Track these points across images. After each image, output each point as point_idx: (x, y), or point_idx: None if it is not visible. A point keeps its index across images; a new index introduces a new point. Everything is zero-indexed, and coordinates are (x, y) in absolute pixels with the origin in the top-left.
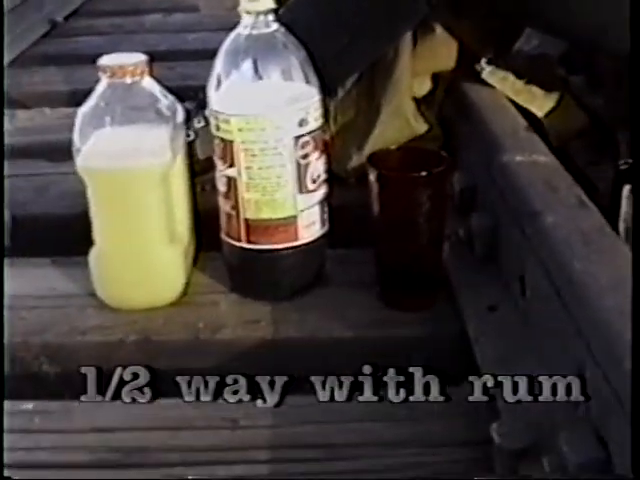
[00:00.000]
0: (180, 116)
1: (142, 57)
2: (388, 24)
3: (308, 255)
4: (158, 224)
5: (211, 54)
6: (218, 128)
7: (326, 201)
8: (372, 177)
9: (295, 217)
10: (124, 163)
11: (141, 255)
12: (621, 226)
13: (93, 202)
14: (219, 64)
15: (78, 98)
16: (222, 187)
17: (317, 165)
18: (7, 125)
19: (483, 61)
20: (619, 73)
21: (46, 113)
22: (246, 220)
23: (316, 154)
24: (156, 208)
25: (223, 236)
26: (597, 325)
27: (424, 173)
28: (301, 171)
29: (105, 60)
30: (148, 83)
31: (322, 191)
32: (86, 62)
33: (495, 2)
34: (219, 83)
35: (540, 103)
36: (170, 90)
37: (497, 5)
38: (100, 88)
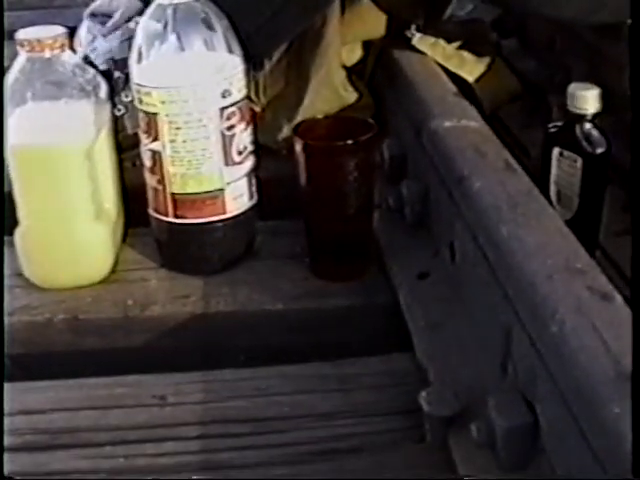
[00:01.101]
0: (103, 90)
1: (61, 30)
2: None
3: (237, 228)
4: (83, 201)
5: None
6: (141, 101)
7: (254, 173)
8: (298, 147)
9: (222, 190)
10: (47, 140)
11: (67, 233)
12: (552, 189)
13: (16, 180)
14: (140, 36)
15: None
16: (147, 161)
17: (243, 137)
18: None
19: (413, 27)
20: (550, 36)
21: None
22: (173, 195)
23: (242, 125)
24: (81, 185)
25: (150, 211)
26: (523, 289)
27: (350, 141)
28: (227, 143)
29: (23, 34)
30: (68, 57)
31: (249, 163)
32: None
33: None
34: (140, 56)
35: (470, 68)
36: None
37: None
38: (19, 63)
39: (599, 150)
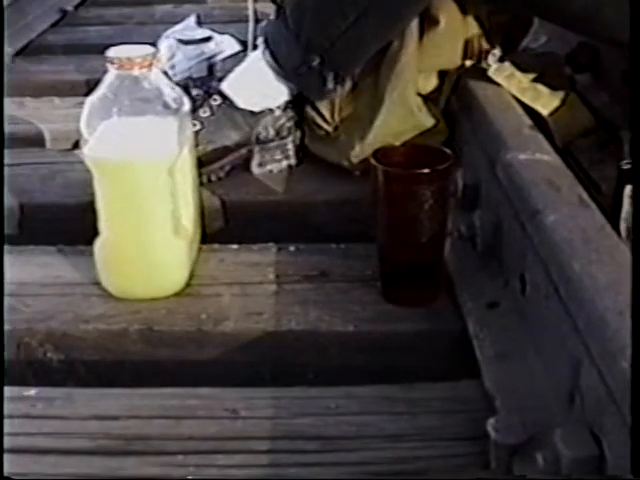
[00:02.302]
0: (187, 108)
1: (150, 49)
2: (395, 3)
3: None
4: (163, 215)
5: None
6: None
7: None
8: (377, 174)
9: None
10: (131, 155)
11: (145, 246)
12: (622, 226)
13: (99, 192)
14: None
15: (87, 88)
16: None
17: None
18: (16, 113)
19: (490, 58)
20: (624, 71)
21: (55, 102)
22: None
23: None
24: (162, 200)
25: None
26: (594, 324)
27: (427, 170)
28: None
29: (113, 51)
30: (155, 75)
31: None
32: (95, 52)
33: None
34: None
35: (545, 101)
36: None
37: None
38: (108, 79)
39: None
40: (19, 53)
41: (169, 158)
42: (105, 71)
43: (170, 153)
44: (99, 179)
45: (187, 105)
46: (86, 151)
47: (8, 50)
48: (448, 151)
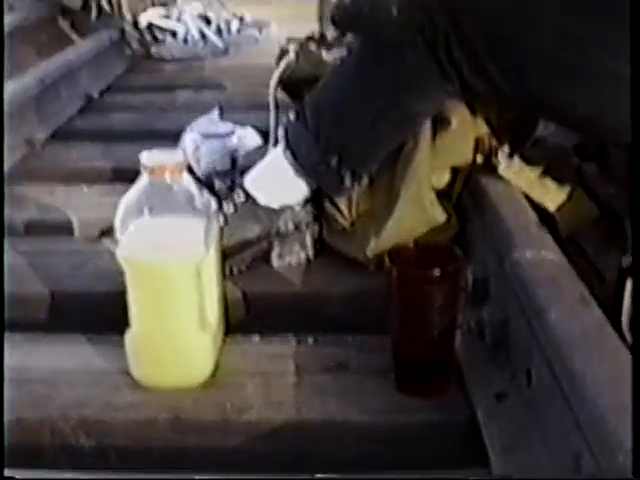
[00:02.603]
0: (213, 210)
1: (180, 158)
2: (407, 107)
3: None
4: (190, 310)
5: None
6: None
7: None
8: (391, 273)
9: None
10: (161, 255)
11: (174, 339)
12: (624, 317)
13: (130, 287)
14: None
15: (113, 175)
16: None
17: None
18: (46, 200)
19: (499, 155)
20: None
21: (83, 190)
22: None
23: None
24: (189, 296)
25: None
26: (594, 421)
27: (438, 270)
28: None
29: (146, 158)
30: (186, 181)
31: None
32: (121, 139)
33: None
34: None
35: (552, 197)
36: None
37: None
38: (142, 183)
39: None
40: (48, 139)
41: (197, 258)
42: (131, 158)
43: (198, 253)
44: (130, 276)
45: (214, 207)
46: (119, 250)
47: (38, 137)
48: (458, 251)
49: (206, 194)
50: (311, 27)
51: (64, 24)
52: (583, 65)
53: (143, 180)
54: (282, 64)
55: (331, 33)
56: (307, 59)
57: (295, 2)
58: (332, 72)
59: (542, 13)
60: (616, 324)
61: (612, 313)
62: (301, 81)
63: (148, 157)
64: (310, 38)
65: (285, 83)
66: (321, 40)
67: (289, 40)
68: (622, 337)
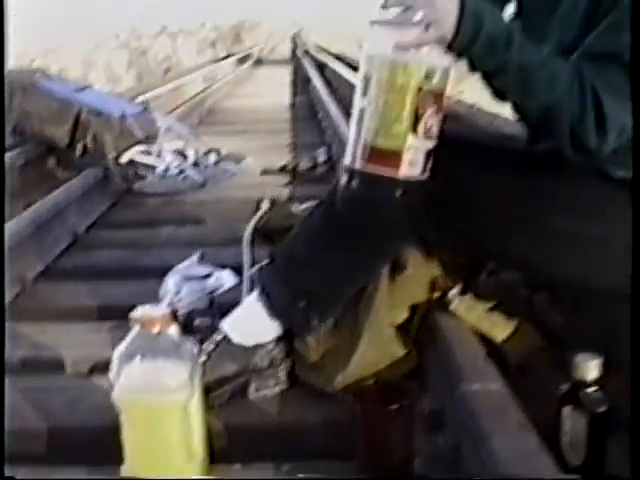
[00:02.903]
0: (197, 354)
1: (167, 310)
2: (369, 259)
3: None
4: (180, 445)
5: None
6: None
7: None
8: (354, 409)
9: None
10: (151, 398)
11: (166, 471)
12: (563, 440)
13: (125, 425)
14: None
15: (99, 313)
16: None
17: None
18: (39, 338)
19: (452, 293)
20: (577, 296)
21: (72, 328)
22: None
23: None
24: (178, 432)
25: None
26: None
27: (396, 406)
28: None
29: (138, 313)
30: (172, 331)
31: None
32: (108, 276)
33: (459, 247)
34: None
35: (500, 329)
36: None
37: (461, 249)
38: (133, 334)
39: (601, 409)
40: (37, 279)
41: (185, 399)
42: (118, 296)
43: (186, 395)
44: (125, 416)
45: (197, 351)
46: (115, 392)
47: (29, 275)
48: (414, 385)
49: (191, 341)
50: (285, 157)
51: (51, 162)
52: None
53: (134, 331)
54: (257, 215)
55: (304, 164)
56: (279, 211)
57: (269, 133)
58: (302, 223)
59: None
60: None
61: (553, 436)
62: (273, 230)
63: (140, 311)
64: (284, 168)
65: (260, 231)
66: (294, 171)
67: (265, 172)
68: (561, 457)
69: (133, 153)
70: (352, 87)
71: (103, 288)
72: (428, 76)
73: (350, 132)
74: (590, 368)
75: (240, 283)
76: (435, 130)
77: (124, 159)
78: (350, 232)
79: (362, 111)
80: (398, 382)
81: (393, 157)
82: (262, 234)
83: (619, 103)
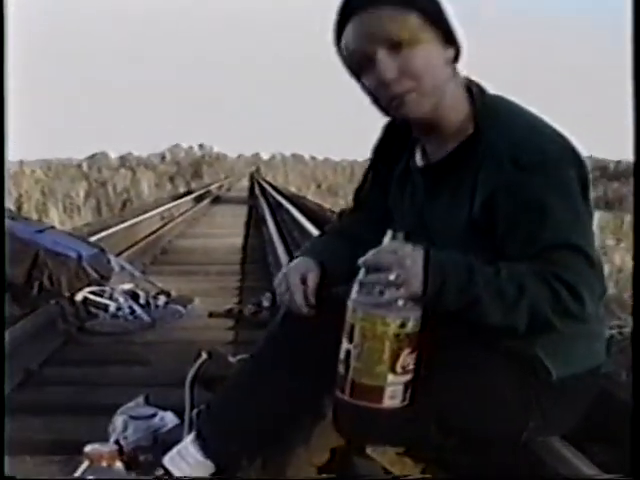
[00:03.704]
0: None
1: (114, 447)
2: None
3: None
4: None
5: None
6: None
7: None
8: None
9: None
10: None
11: None
12: None
13: None
14: None
15: (55, 446)
16: None
17: None
18: None
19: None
20: (486, 438)
21: (26, 460)
22: None
23: None
24: None
25: None
26: None
27: None
28: None
29: (88, 448)
30: (119, 466)
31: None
32: (59, 412)
33: None
34: None
35: (410, 471)
36: None
37: None
38: (84, 466)
39: None
40: None
41: None
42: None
43: None
44: None
45: None
46: None
47: None
48: None
49: (134, 475)
50: (233, 300)
51: (7, 298)
52: None
53: (85, 465)
54: (196, 364)
55: (249, 309)
56: (217, 361)
57: (219, 275)
58: (236, 374)
59: None
60: None
61: None
62: (211, 378)
63: (90, 448)
64: (230, 311)
65: (199, 378)
66: (239, 314)
67: (211, 314)
68: None
69: (87, 292)
70: (305, 231)
71: (56, 424)
72: (403, 324)
73: (338, 369)
74: None
75: (182, 423)
76: (412, 365)
77: (78, 298)
78: (278, 381)
79: (348, 352)
80: None
81: (376, 393)
82: (202, 381)
83: (577, 267)
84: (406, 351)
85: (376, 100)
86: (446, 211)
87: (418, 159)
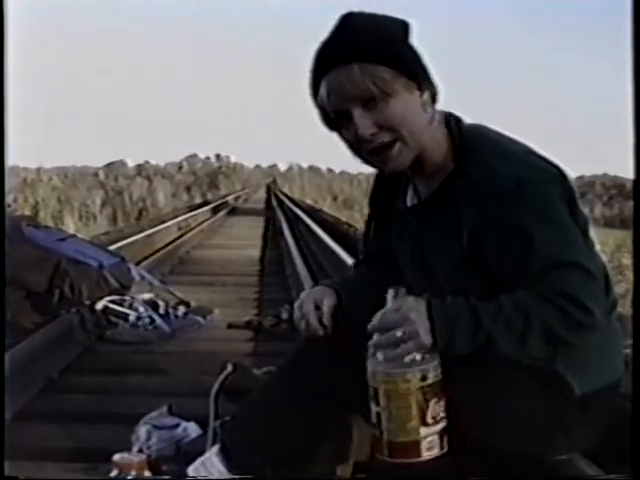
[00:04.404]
0: None
1: (143, 457)
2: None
3: None
4: None
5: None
6: None
7: None
8: None
9: None
10: None
11: None
12: None
13: None
14: None
15: (76, 454)
16: None
17: None
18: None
19: None
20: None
21: (47, 467)
22: None
23: None
24: None
25: None
26: None
27: None
28: None
29: (117, 457)
30: (147, 475)
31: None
32: (78, 420)
33: None
34: None
35: None
36: None
37: None
38: (112, 474)
39: None
40: (12, 420)
41: None
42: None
43: None
44: None
45: None
46: None
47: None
48: None
49: None
50: (250, 312)
51: (26, 304)
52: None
53: (113, 472)
54: (221, 377)
55: (268, 321)
56: (241, 373)
57: (237, 286)
58: (262, 388)
59: None
60: None
61: None
62: (236, 390)
63: (119, 457)
64: (249, 323)
65: (224, 390)
66: (259, 326)
67: (230, 325)
68: None
69: (107, 301)
70: (322, 243)
71: (75, 431)
72: (424, 377)
73: (373, 432)
74: None
75: (205, 434)
76: (442, 413)
77: (98, 307)
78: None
79: (378, 415)
80: None
81: (413, 447)
82: (226, 393)
83: (575, 280)
84: (433, 401)
85: (358, 152)
86: (440, 248)
87: (410, 198)
